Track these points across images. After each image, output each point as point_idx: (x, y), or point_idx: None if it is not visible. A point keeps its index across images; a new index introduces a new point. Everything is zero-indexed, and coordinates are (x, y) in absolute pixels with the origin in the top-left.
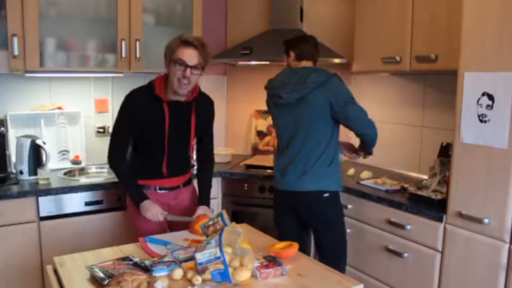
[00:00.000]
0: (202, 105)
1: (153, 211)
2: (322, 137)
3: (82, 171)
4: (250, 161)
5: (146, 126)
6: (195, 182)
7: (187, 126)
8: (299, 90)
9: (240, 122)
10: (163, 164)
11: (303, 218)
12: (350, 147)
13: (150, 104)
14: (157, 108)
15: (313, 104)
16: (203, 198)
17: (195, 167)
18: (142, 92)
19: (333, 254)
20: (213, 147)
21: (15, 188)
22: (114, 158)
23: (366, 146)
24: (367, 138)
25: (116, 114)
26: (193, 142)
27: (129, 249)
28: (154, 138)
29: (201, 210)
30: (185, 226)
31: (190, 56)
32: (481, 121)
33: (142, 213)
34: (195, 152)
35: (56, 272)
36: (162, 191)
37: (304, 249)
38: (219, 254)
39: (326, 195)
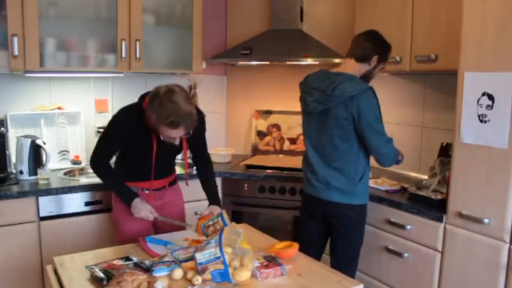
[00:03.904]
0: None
1: (145, 211)
2: (347, 153)
3: (82, 171)
4: (250, 161)
5: (134, 148)
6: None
7: (177, 147)
8: (324, 102)
9: (240, 122)
10: (150, 171)
11: (329, 222)
12: None
13: (138, 131)
14: (145, 135)
15: (336, 118)
16: (213, 198)
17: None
18: (132, 117)
19: (345, 259)
20: (207, 149)
21: (15, 188)
22: (99, 165)
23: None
24: (381, 164)
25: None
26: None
27: (129, 249)
28: (142, 155)
29: (208, 210)
30: (173, 228)
31: (179, 133)
32: (481, 121)
33: (134, 214)
34: (188, 153)
35: (56, 272)
36: (148, 192)
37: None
38: (219, 254)
39: (353, 206)
